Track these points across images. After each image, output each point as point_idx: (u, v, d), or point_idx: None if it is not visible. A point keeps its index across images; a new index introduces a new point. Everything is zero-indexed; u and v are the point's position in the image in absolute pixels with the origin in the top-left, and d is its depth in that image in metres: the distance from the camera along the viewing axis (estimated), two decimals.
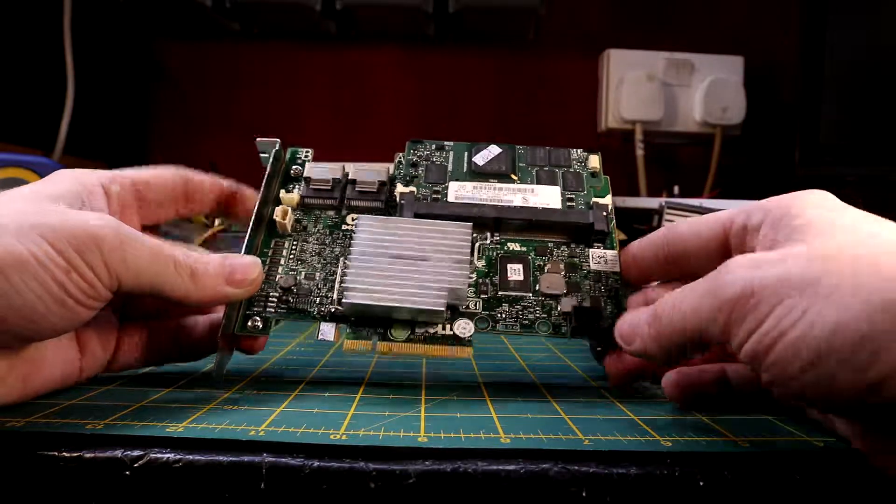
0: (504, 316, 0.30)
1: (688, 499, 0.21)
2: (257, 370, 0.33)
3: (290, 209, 0.32)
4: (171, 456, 0.21)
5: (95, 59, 0.81)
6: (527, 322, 0.30)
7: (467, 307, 0.30)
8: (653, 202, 0.69)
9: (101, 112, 0.83)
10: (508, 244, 0.32)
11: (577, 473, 0.21)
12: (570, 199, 0.34)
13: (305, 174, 0.34)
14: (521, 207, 0.33)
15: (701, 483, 0.21)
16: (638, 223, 0.70)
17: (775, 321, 0.20)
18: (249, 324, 0.29)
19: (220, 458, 0.21)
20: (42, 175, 0.56)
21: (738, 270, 0.21)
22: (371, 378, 0.32)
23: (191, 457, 0.21)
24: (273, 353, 0.37)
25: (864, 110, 0.71)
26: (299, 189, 0.34)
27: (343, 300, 0.28)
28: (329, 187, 0.33)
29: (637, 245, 0.30)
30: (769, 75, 0.85)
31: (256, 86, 0.90)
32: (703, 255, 0.27)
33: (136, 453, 0.21)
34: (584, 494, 0.20)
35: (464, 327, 0.29)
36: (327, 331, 0.29)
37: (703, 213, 0.62)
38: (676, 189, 0.77)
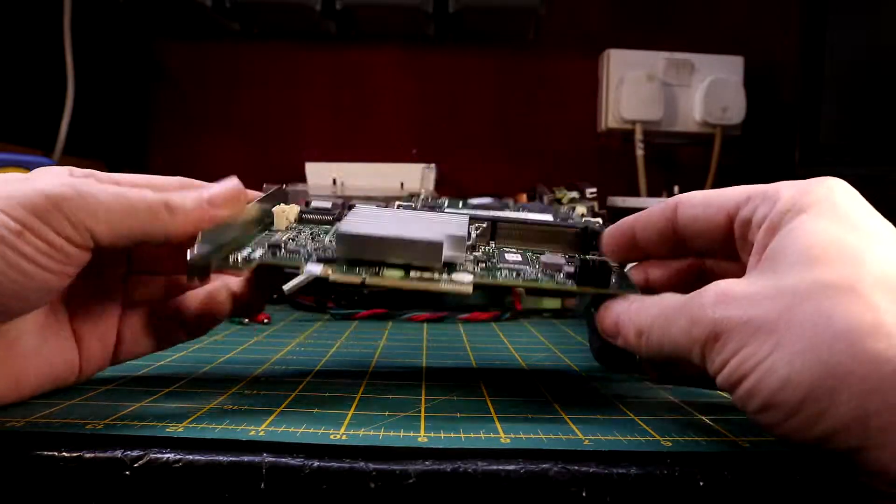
0: (504, 275, 0.27)
1: (688, 499, 0.21)
2: (257, 370, 0.33)
3: (288, 211, 0.31)
4: (171, 456, 0.21)
5: (95, 59, 0.81)
6: (529, 278, 0.27)
7: (465, 267, 0.27)
8: (653, 202, 0.69)
9: (101, 112, 0.83)
10: (505, 254, 0.30)
11: (577, 473, 0.21)
12: (563, 219, 0.35)
13: (308, 200, 0.34)
14: (517, 216, 0.33)
15: (701, 483, 0.21)
16: None
17: (736, 365, 0.20)
18: (231, 258, 0.26)
19: (220, 458, 0.21)
20: None
21: (707, 307, 0.21)
22: (371, 378, 0.32)
23: (191, 457, 0.21)
24: (273, 353, 0.37)
25: (864, 110, 0.71)
26: (298, 207, 0.32)
27: (336, 232, 0.26)
28: (328, 207, 0.33)
29: (637, 222, 0.29)
30: (769, 75, 0.85)
31: (256, 86, 0.90)
32: (707, 242, 0.27)
33: (136, 453, 0.21)
34: (584, 494, 0.20)
35: (462, 276, 0.26)
36: (314, 267, 0.26)
37: None
38: (676, 189, 0.77)
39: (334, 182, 0.74)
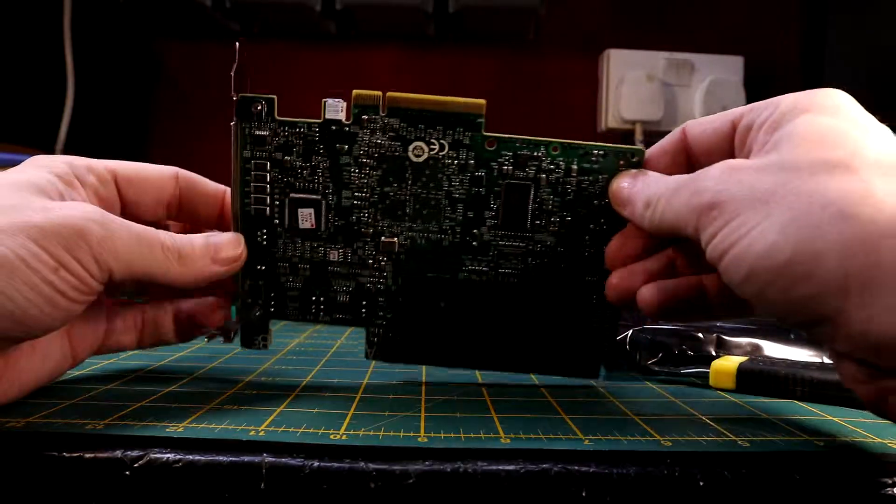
0: None
1: (688, 499, 0.21)
2: (257, 370, 0.33)
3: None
4: (171, 456, 0.21)
5: (95, 59, 0.81)
6: None
7: None
8: None
9: (101, 112, 0.83)
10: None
11: (577, 473, 0.21)
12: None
13: None
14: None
15: (701, 483, 0.21)
16: None
17: (727, 233, 0.21)
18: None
19: (220, 458, 0.21)
20: None
21: (709, 179, 0.22)
22: (371, 378, 0.32)
23: (191, 457, 0.21)
24: (273, 353, 0.37)
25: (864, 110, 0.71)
26: None
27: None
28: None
29: (651, 154, 0.28)
30: (769, 75, 0.85)
31: (256, 86, 0.90)
32: (715, 151, 0.26)
33: (136, 453, 0.21)
34: (584, 494, 0.20)
35: None
36: (336, 105, 0.29)
37: None
38: None
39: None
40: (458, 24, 0.82)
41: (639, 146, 0.30)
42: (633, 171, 0.28)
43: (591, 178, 0.28)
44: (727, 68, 0.80)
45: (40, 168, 0.26)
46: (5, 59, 0.70)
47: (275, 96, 0.29)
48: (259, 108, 0.29)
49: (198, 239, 0.27)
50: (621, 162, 0.28)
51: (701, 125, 0.27)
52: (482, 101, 0.28)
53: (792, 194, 0.20)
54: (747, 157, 0.24)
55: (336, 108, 0.29)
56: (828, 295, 0.19)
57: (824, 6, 0.71)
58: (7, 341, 0.23)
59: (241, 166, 0.29)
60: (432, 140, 0.28)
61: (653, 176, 0.26)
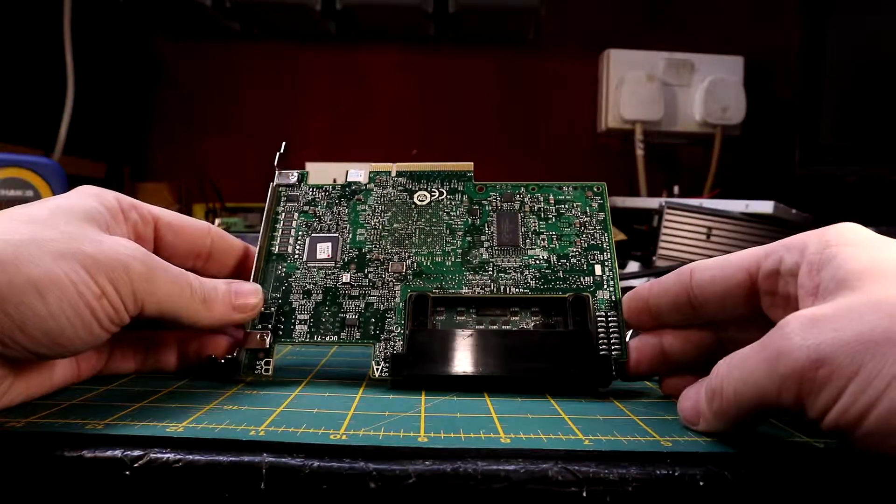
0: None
1: (688, 499, 0.21)
2: (257, 370, 0.33)
3: None
4: (171, 456, 0.21)
5: (95, 59, 0.81)
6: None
7: None
8: (653, 202, 0.69)
9: (101, 112, 0.83)
10: None
11: (577, 473, 0.21)
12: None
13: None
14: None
15: (701, 483, 0.21)
16: (638, 223, 0.70)
17: (858, 391, 0.18)
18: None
19: (220, 458, 0.21)
20: (42, 175, 0.56)
21: (795, 336, 0.19)
22: (371, 378, 0.32)
23: (191, 457, 0.21)
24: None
25: (864, 110, 0.71)
26: None
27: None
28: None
29: (651, 290, 0.29)
30: (769, 75, 0.85)
31: (256, 86, 0.90)
32: (727, 303, 0.26)
33: (136, 453, 0.21)
34: (584, 494, 0.20)
35: None
36: (357, 173, 0.35)
37: (703, 213, 0.62)
38: (676, 189, 0.77)
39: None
40: (458, 24, 0.82)
41: (600, 183, 0.34)
42: (687, 389, 0.25)
43: (566, 205, 0.34)
44: (727, 68, 0.80)
45: (91, 197, 0.27)
46: (5, 59, 0.70)
47: (308, 171, 0.36)
48: (293, 179, 0.35)
49: (221, 284, 0.29)
50: (588, 193, 0.34)
51: (710, 271, 0.26)
52: (471, 163, 0.35)
53: None
54: (788, 302, 0.23)
55: (357, 175, 0.35)
56: None
57: (824, 6, 0.71)
58: (33, 356, 0.24)
59: (272, 217, 0.34)
60: (433, 189, 0.35)
61: (699, 381, 0.24)
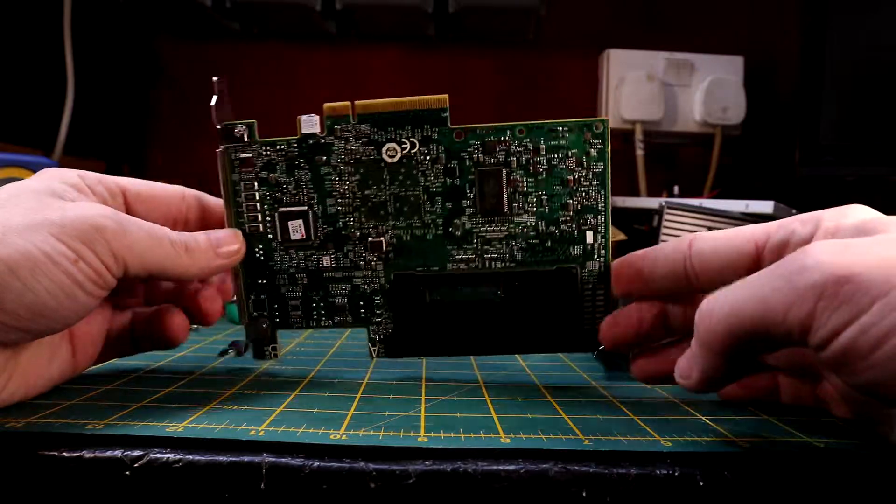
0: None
1: (688, 499, 0.21)
2: (257, 370, 0.33)
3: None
4: (171, 456, 0.21)
5: (95, 59, 0.81)
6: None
7: None
8: (653, 202, 0.69)
9: (101, 112, 0.83)
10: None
11: (577, 473, 0.21)
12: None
13: None
14: None
15: (701, 483, 0.21)
16: (638, 223, 0.70)
17: (882, 313, 0.17)
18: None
19: (220, 458, 0.21)
20: None
21: (822, 254, 0.18)
22: (371, 378, 0.32)
23: (191, 457, 0.21)
24: None
25: (864, 110, 0.71)
26: None
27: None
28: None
29: (645, 258, 0.28)
30: (769, 75, 0.85)
31: (256, 86, 0.90)
32: (725, 274, 0.25)
33: (136, 453, 0.21)
34: (584, 494, 0.20)
35: None
36: (310, 120, 0.30)
37: (703, 213, 0.62)
38: (676, 189, 0.77)
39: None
40: (458, 24, 0.82)
41: (603, 117, 0.30)
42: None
43: (560, 154, 0.29)
44: (727, 68, 0.80)
45: (52, 178, 0.27)
46: (5, 59, 0.70)
47: (254, 121, 0.31)
48: (240, 132, 0.31)
49: (200, 234, 0.29)
50: (588, 134, 0.29)
51: (714, 241, 0.26)
52: (444, 95, 0.30)
53: None
54: None
55: (311, 123, 0.31)
56: None
57: (824, 6, 0.71)
58: (24, 335, 0.24)
59: (231, 189, 0.31)
60: (403, 140, 0.30)
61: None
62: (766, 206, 0.62)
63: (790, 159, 0.75)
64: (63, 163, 0.64)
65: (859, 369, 0.18)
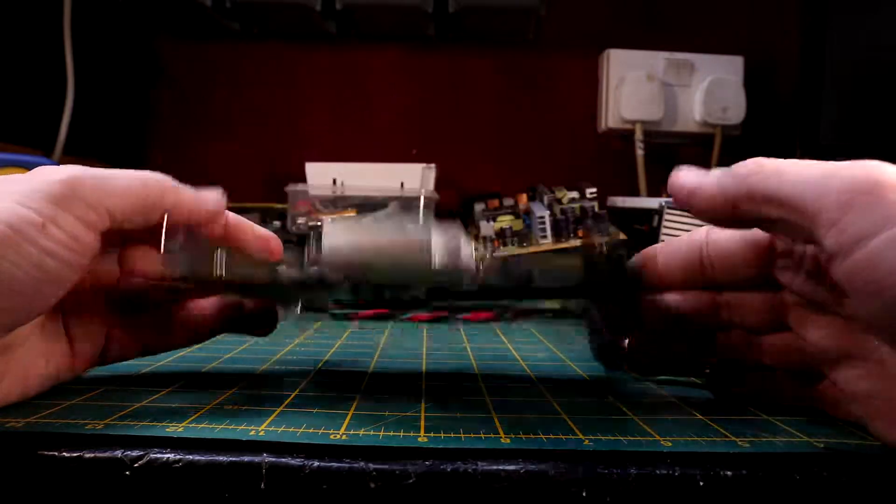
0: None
1: (688, 499, 0.21)
2: (257, 370, 0.33)
3: None
4: (171, 456, 0.21)
5: (95, 59, 0.81)
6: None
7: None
8: (653, 202, 0.69)
9: (101, 112, 0.83)
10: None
11: (577, 473, 0.21)
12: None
13: None
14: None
15: (701, 483, 0.21)
16: (638, 223, 0.70)
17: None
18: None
19: (220, 458, 0.21)
20: None
21: (852, 168, 0.19)
22: (371, 378, 0.32)
23: (191, 457, 0.21)
24: (273, 354, 0.37)
25: (864, 110, 0.71)
26: None
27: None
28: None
29: (662, 249, 0.28)
30: (769, 75, 0.85)
31: (256, 86, 0.90)
32: (738, 262, 0.26)
33: (136, 453, 0.21)
34: (584, 494, 0.20)
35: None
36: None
37: None
38: None
39: (334, 182, 0.74)
40: (458, 24, 0.82)
41: None
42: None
43: None
44: (727, 68, 0.80)
45: (47, 168, 0.26)
46: (5, 59, 0.70)
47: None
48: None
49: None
50: None
51: (731, 231, 0.26)
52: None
53: None
54: (801, 264, 0.24)
55: None
56: None
57: (824, 6, 0.71)
58: (5, 317, 0.22)
59: None
60: None
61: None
62: None
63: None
64: (63, 163, 0.64)
65: (862, 280, 0.18)
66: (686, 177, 0.24)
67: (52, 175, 0.23)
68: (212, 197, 0.28)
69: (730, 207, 0.22)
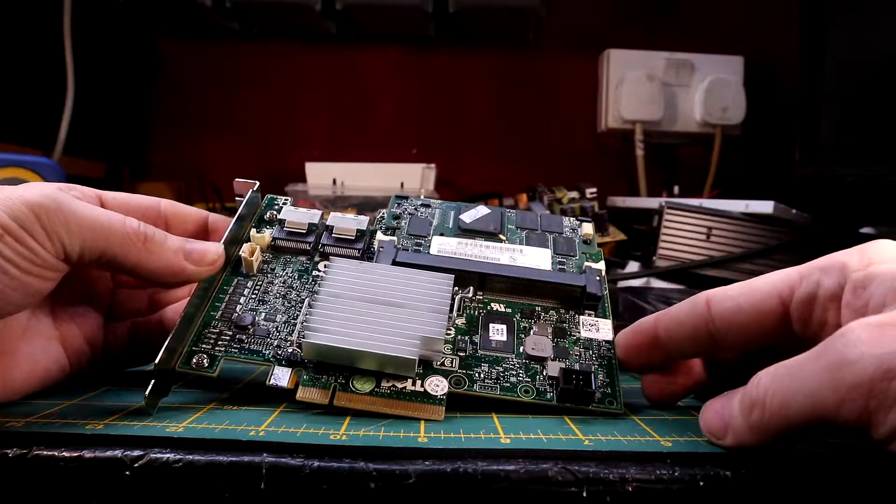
0: (482, 376, 0.27)
1: (688, 499, 0.21)
2: (257, 370, 0.33)
3: (258, 248, 0.30)
4: (171, 456, 0.21)
5: (95, 58, 0.81)
6: (508, 385, 0.27)
7: (442, 364, 0.27)
8: (653, 202, 0.69)
9: (101, 112, 0.83)
10: (492, 304, 0.30)
11: (577, 473, 0.21)
12: (562, 262, 0.32)
13: (280, 216, 0.32)
14: (509, 266, 0.31)
15: (701, 483, 0.21)
16: (638, 223, 0.70)
17: None
18: (195, 360, 0.26)
19: (220, 458, 0.21)
20: (42, 175, 0.56)
21: (862, 343, 0.17)
22: None
23: (191, 457, 0.21)
24: None
25: (864, 110, 0.71)
26: (272, 231, 0.32)
27: (303, 339, 0.25)
28: (304, 231, 0.31)
29: (659, 323, 0.26)
30: (769, 75, 0.85)
31: (256, 86, 0.90)
32: (753, 332, 0.24)
33: (136, 453, 0.21)
34: (584, 494, 0.20)
35: (437, 384, 0.26)
36: (281, 375, 0.26)
37: (703, 213, 0.62)
38: (676, 189, 0.77)
39: (334, 182, 0.74)
40: (458, 24, 0.82)
41: None
42: (711, 401, 0.23)
43: None
44: (727, 68, 0.80)
45: (31, 185, 0.26)
46: (5, 59, 0.70)
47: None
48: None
49: (173, 236, 0.28)
50: None
51: (734, 300, 0.24)
52: (441, 408, 0.26)
53: None
54: (824, 329, 0.22)
55: (280, 377, 0.26)
56: None
57: (824, 6, 0.71)
58: None
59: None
60: None
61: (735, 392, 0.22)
62: (766, 206, 0.62)
63: (790, 159, 0.75)
64: (63, 163, 0.64)
65: None
66: (711, 423, 0.23)
67: (23, 193, 0.24)
68: (203, 253, 0.28)
69: (770, 438, 0.21)
